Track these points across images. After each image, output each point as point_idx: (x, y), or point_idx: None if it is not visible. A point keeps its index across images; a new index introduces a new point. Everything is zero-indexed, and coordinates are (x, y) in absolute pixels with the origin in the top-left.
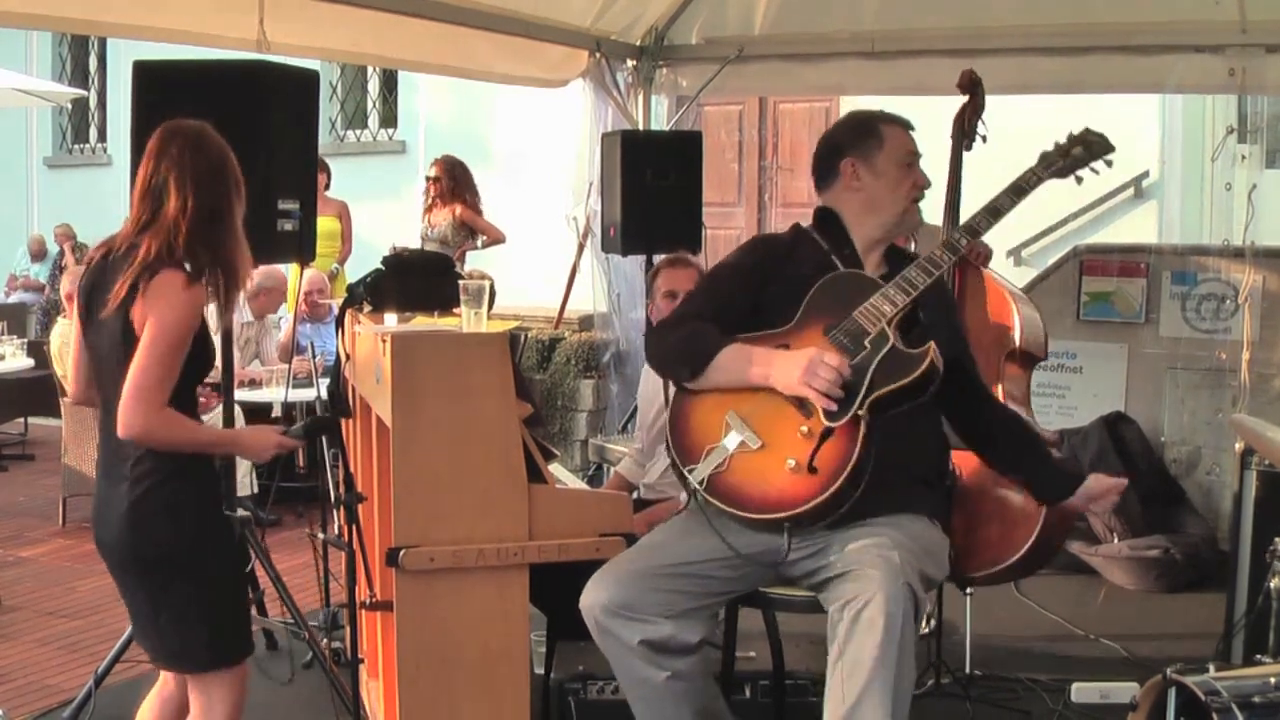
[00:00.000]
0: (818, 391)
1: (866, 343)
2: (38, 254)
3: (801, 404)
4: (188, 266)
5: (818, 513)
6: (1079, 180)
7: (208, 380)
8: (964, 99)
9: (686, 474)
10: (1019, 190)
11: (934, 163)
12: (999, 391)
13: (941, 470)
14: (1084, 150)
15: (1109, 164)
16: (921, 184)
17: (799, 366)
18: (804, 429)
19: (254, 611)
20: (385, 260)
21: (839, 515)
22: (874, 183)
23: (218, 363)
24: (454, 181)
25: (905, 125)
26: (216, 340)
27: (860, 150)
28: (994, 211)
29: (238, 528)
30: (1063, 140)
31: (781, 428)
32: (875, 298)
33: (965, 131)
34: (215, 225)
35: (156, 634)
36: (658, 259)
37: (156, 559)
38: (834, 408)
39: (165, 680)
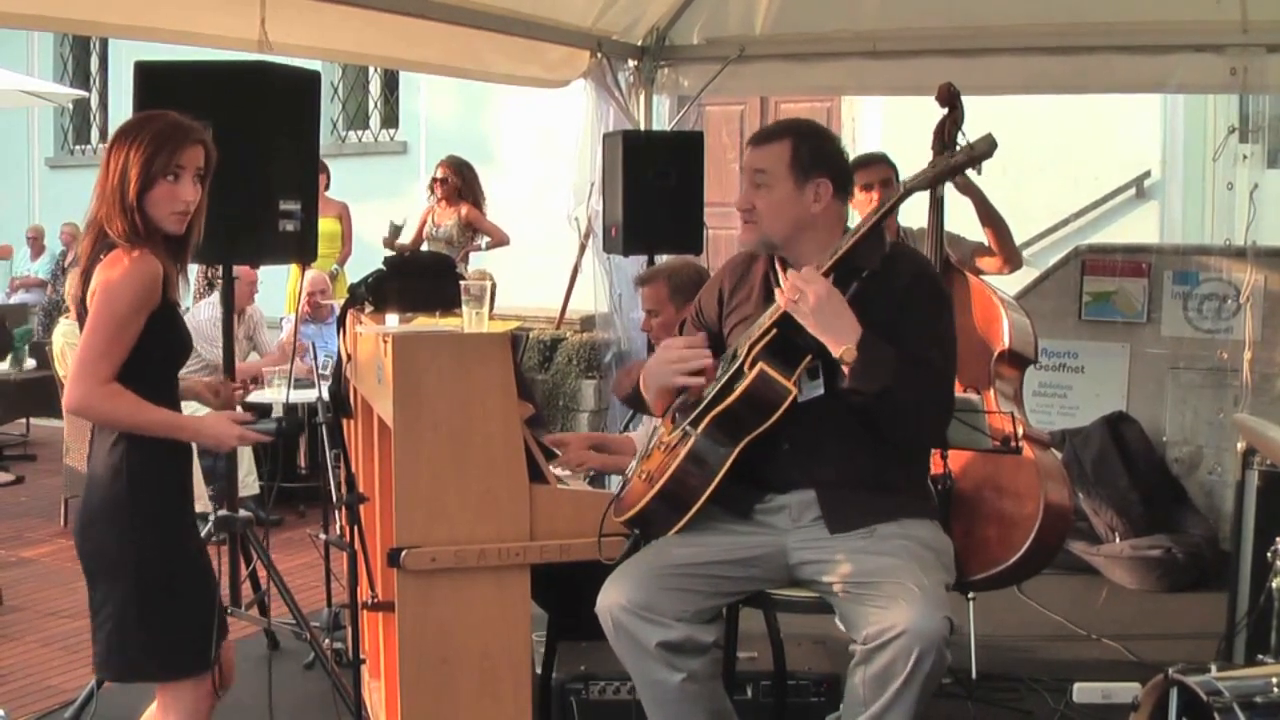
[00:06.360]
0: (680, 374)
1: (730, 365)
2: (35, 243)
3: (673, 419)
4: (128, 242)
5: (644, 518)
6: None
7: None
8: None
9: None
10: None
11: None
12: (991, 393)
13: (923, 473)
14: (966, 154)
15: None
16: (738, 205)
17: (657, 362)
18: (660, 444)
19: (255, 611)
20: (387, 261)
21: (686, 520)
22: None
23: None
24: (462, 182)
25: (756, 139)
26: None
27: None
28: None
29: (196, 538)
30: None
31: (658, 442)
32: (753, 324)
33: (946, 144)
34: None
35: (92, 639)
36: (659, 259)
37: (91, 562)
38: (701, 382)
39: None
